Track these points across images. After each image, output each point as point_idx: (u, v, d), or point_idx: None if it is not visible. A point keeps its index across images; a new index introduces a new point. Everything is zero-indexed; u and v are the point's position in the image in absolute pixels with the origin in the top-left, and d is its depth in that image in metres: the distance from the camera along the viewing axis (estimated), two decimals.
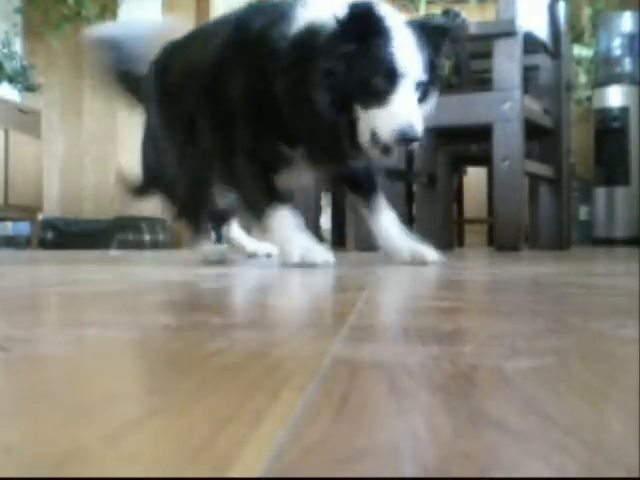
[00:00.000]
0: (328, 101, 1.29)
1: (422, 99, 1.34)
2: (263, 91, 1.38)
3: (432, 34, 1.35)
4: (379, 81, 1.27)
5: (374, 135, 1.28)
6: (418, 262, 1.44)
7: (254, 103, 1.40)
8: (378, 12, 1.28)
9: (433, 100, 1.41)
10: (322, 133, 1.35)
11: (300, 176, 1.51)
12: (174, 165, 1.64)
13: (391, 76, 1.27)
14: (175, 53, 1.67)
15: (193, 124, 1.54)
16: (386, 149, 1.29)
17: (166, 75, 1.65)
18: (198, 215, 1.70)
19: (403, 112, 1.26)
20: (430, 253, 1.47)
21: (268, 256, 1.94)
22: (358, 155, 1.36)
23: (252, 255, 1.97)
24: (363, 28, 1.27)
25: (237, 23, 1.47)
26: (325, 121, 1.31)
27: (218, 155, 1.51)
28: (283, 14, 1.37)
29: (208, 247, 1.70)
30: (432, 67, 1.33)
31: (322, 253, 1.32)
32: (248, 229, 1.99)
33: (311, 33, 1.32)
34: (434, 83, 1.37)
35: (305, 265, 1.29)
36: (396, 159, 1.34)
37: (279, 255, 1.40)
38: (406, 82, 1.28)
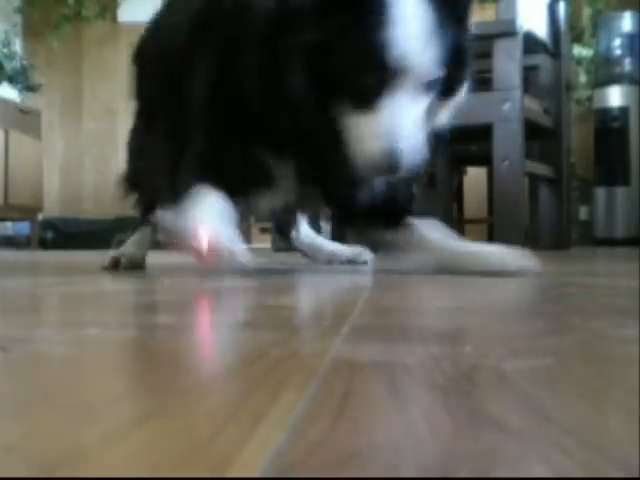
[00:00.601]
0: (304, 90, 0.93)
1: (445, 96, 0.99)
2: (234, 77, 1.03)
3: (453, 1, 0.94)
4: (365, 77, 0.90)
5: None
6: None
7: (223, 93, 1.06)
8: None
9: (460, 97, 1.03)
10: (300, 135, 1.00)
11: (281, 195, 1.12)
12: None
13: (382, 72, 0.90)
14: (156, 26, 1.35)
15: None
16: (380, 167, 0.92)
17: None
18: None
19: (389, 130, 0.90)
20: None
21: (351, 262, 1.42)
22: (349, 170, 0.96)
23: (331, 260, 1.44)
24: None
25: None
26: (302, 117, 0.97)
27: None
28: None
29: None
30: (456, 51, 0.94)
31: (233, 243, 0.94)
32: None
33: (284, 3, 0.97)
34: (462, 72, 0.98)
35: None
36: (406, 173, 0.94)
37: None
38: (404, 82, 0.91)
